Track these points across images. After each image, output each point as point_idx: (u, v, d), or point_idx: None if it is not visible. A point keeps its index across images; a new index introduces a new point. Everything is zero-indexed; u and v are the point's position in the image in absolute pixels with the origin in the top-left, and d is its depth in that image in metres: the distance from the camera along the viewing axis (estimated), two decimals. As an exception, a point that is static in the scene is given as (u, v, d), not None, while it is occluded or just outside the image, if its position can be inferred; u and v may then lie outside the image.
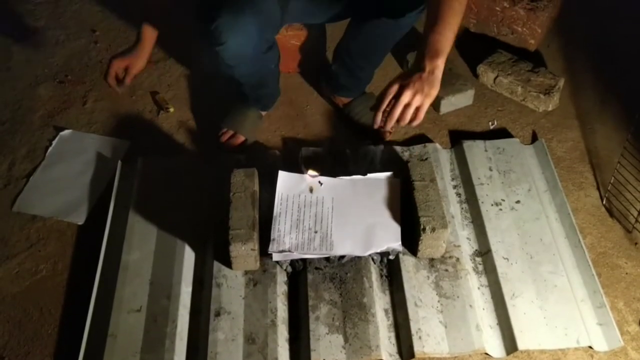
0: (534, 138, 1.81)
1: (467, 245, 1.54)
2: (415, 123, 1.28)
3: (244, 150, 1.77)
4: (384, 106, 1.29)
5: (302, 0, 1.60)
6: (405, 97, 1.25)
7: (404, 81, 1.27)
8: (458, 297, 1.42)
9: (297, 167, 1.64)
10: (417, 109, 1.27)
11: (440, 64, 1.28)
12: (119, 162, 1.71)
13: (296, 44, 1.95)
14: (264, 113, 1.84)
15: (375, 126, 1.31)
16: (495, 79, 1.93)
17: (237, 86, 1.71)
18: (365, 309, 1.40)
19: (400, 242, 1.46)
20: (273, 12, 1.51)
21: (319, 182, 1.56)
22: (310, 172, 1.58)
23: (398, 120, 1.28)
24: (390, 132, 1.80)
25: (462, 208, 1.62)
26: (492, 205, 1.60)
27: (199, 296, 1.45)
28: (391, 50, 2.02)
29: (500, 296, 1.43)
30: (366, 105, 1.82)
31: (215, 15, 1.40)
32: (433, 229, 1.41)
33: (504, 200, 1.61)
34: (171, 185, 1.65)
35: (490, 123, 1.87)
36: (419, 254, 1.47)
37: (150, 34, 1.59)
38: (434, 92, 1.27)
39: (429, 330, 1.37)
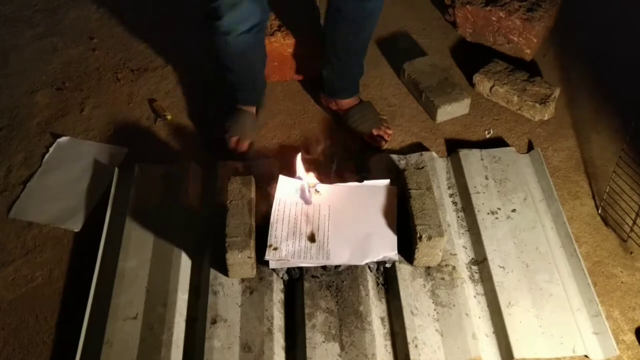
0: (530, 147, 1.82)
1: (463, 254, 1.55)
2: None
3: (244, 157, 1.77)
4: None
5: None
6: None
7: None
8: (454, 305, 1.42)
9: (294, 174, 1.64)
10: None
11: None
12: (116, 169, 1.70)
13: (293, 52, 1.96)
14: (253, 110, 1.85)
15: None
16: (491, 88, 1.94)
17: (225, 79, 1.76)
18: (362, 317, 1.40)
19: (396, 252, 1.46)
20: None
21: (316, 189, 1.56)
22: (308, 179, 1.58)
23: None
24: (386, 140, 1.81)
25: (458, 216, 1.63)
26: (488, 213, 1.61)
27: (195, 304, 1.45)
28: (387, 58, 2.04)
29: (496, 305, 1.44)
30: (363, 113, 1.83)
31: None
32: (429, 238, 1.41)
33: (500, 209, 1.62)
34: (168, 193, 1.65)
35: (486, 132, 1.87)
36: (415, 263, 1.48)
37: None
38: None
39: (425, 339, 1.37)
